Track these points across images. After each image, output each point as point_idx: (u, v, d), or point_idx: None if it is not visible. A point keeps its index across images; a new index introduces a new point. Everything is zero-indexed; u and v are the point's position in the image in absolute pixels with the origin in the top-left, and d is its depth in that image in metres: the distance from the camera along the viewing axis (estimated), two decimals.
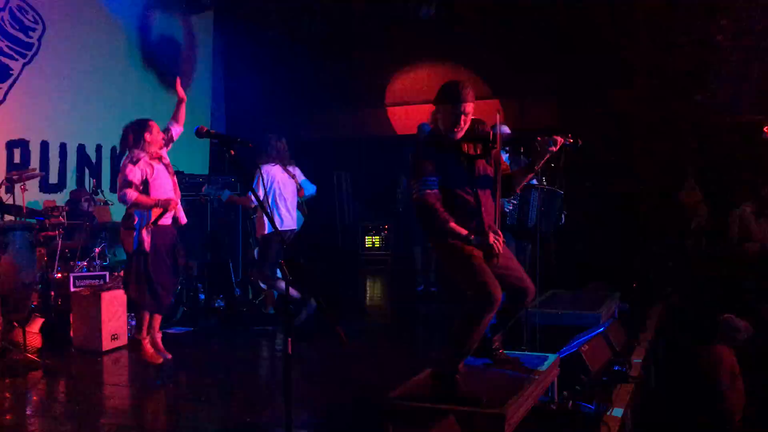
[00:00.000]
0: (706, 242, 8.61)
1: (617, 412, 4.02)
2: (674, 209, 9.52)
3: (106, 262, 6.82)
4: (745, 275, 7.70)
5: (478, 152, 3.62)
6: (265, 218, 6.45)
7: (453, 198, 3.55)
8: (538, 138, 3.62)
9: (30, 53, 7.65)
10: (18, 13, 7.53)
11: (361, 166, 11.49)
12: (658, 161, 9.57)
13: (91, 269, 6.51)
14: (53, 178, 7.95)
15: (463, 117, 3.53)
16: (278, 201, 6.56)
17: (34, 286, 6.04)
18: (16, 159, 7.48)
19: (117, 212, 7.33)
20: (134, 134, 5.23)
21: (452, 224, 3.46)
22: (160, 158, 5.34)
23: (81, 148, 8.28)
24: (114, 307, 5.95)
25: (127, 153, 5.27)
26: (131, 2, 9.14)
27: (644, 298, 7.18)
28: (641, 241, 9.09)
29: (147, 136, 5.21)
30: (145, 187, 5.14)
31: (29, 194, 6.21)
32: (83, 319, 5.95)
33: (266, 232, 6.54)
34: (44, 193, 7.74)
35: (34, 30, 7.71)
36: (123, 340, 6.08)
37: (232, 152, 3.01)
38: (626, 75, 9.56)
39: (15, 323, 5.70)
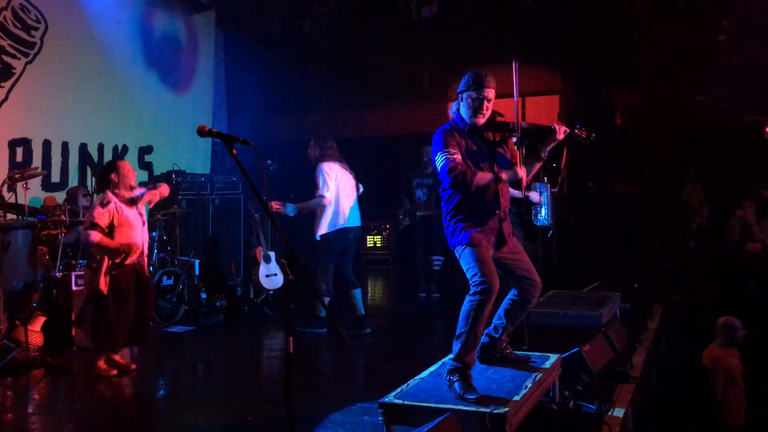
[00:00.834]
0: (707, 242, 8.60)
1: (618, 412, 4.03)
2: (676, 209, 9.52)
3: None
4: (747, 275, 7.70)
5: (497, 139, 3.84)
6: (326, 217, 6.34)
7: None
8: (552, 126, 3.83)
9: (32, 52, 7.66)
10: (20, 12, 7.54)
11: (363, 165, 11.47)
12: (660, 161, 9.57)
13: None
14: (55, 177, 7.96)
15: (486, 103, 3.73)
16: (342, 198, 6.41)
17: (35, 285, 6.04)
18: (19, 158, 7.49)
19: None
20: (104, 175, 5.36)
21: (479, 174, 3.65)
22: (133, 201, 5.34)
23: (83, 147, 8.29)
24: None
25: (100, 195, 5.35)
26: (133, 1, 9.15)
27: (646, 298, 7.17)
28: (643, 241, 9.09)
29: (113, 176, 5.28)
30: (110, 230, 5.18)
31: (31, 193, 6.22)
32: (85, 318, 5.95)
33: (326, 231, 6.37)
34: (46, 191, 7.75)
35: (36, 29, 7.72)
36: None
37: (234, 151, 3.01)
38: (628, 75, 9.56)
39: (17, 321, 5.71)
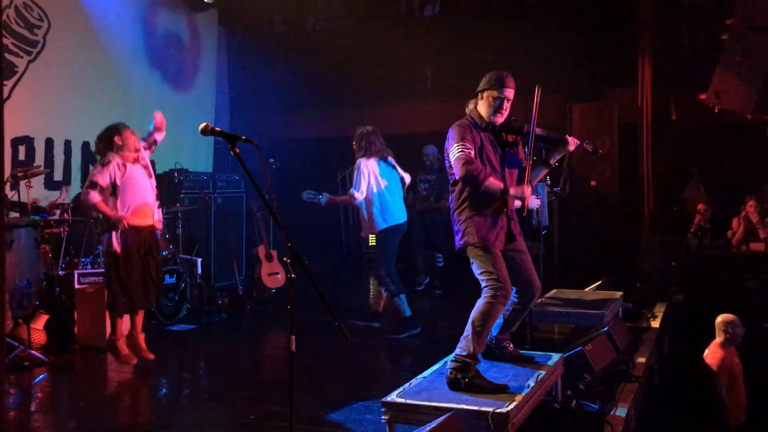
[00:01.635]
0: (710, 241, 8.59)
1: (621, 411, 4.02)
2: (678, 208, 9.51)
3: None
4: (749, 275, 7.68)
5: (510, 140, 3.94)
6: (371, 215, 6.27)
7: None
8: (565, 137, 3.92)
9: (35, 50, 7.67)
10: (23, 11, 7.55)
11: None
12: (662, 160, 9.55)
13: (96, 266, 6.53)
14: (58, 175, 7.97)
15: (506, 103, 3.85)
16: (386, 196, 6.27)
17: (38, 283, 6.05)
18: (21, 156, 7.50)
19: None
20: (106, 139, 5.38)
21: (492, 178, 3.72)
22: (136, 159, 5.38)
23: (86, 146, 8.29)
24: None
25: (101, 157, 5.38)
26: (136, 0, 9.15)
27: (648, 297, 7.16)
28: (645, 240, 9.07)
29: (117, 139, 5.31)
30: (114, 189, 5.22)
31: (34, 191, 6.22)
32: (87, 316, 5.97)
33: (379, 228, 6.29)
34: (49, 190, 7.76)
35: (39, 27, 7.73)
36: None
37: (237, 150, 3.01)
38: (631, 73, 9.54)
39: (20, 320, 5.72)
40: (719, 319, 5.24)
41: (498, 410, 3.19)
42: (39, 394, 4.89)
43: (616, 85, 9.73)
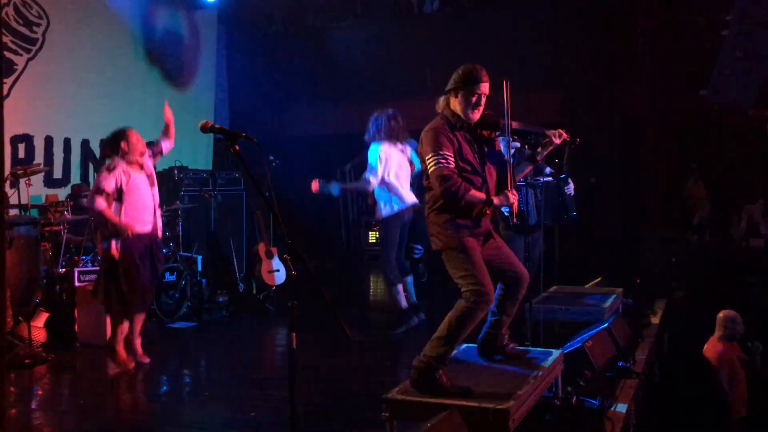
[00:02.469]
0: (709, 237, 8.59)
1: (621, 407, 4.02)
2: (678, 204, 9.51)
3: None
4: (749, 271, 7.68)
5: (486, 136, 3.77)
6: (384, 201, 6.21)
7: (466, 180, 3.62)
8: (546, 132, 3.82)
9: (34, 48, 7.66)
10: (22, 8, 7.54)
11: (366, 160, 11.46)
12: (662, 156, 9.55)
13: (96, 264, 6.52)
14: (57, 173, 7.97)
15: (482, 98, 3.67)
16: (397, 180, 6.20)
17: (38, 281, 6.05)
18: (21, 154, 7.49)
19: None
20: (112, 143, 5.36)
21: (473, 191, 3.58)
22: (141, 167, 5.38)
23: (85, 143, 8.30)
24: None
25: (107, 161, 5.37)
26: None
27: (648, 293, 7.16)
28: (645, 236, 9.07)
29: (123, 144, 5.29)
30: (119, 194, 5.21)
31: (33, 189, 6.22)
32: (88, 314, 5.97)
33: (384, 215, 6.24)
34: (48, 188, 7.76)
35: (38, 25, 7.72)
36: None
37: (237, 147, 3.01)
38: (631, 69, 9.53)
39: (20, 318, 5.72)
40: (721, 314, 5.25)
41: (499, 406, 3.19)
42: (39, 392, 4.90)
43: (616, 82, 9.72)
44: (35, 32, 7.68)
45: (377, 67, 10.60)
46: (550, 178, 5.93)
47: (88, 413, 4.39)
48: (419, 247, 8.56)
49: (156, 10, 9.47)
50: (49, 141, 7.85)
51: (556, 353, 4.07)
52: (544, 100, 9.60)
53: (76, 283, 6.12)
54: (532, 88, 9.57)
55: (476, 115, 3.70)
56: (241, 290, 7.69)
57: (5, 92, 7.32)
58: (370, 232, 11.63)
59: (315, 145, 11.04)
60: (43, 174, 7.48)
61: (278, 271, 7.72)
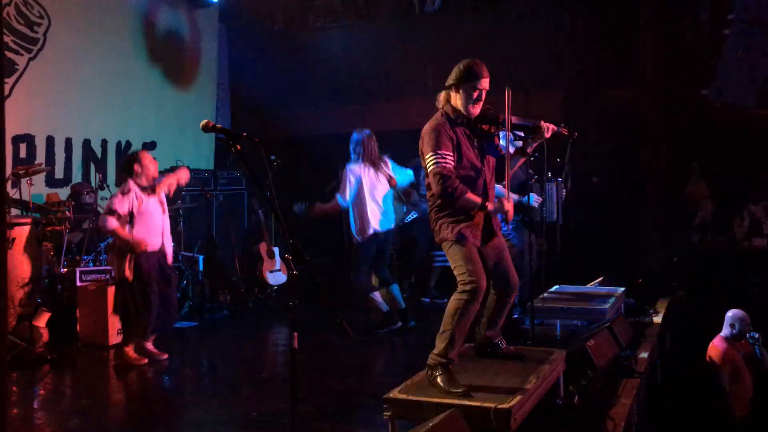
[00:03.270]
0: (711, 237, 8.58)
1: (623, 407, 4.02)
2: (680, 204, 9.49)
3: None
4: (751, 270, 7.68)
5: (485, 130, 3.81)
6: (354, 223, 6.28)
7: (464, 175, 3.68)
8: (540, 123, 3.86)
9: (35, 48, 7.66)
10: (23, 8, 7.54)
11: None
12: (664, 155, 9.53)
13: (97, 264, 6.53)
14: (59, 173, 7.97)
15: (483, 93, 3.71)
16: (370, 204, 6.23)
17: (40, 281, 6.05)
18: (22, 154, 7.49)
19: None
20: (126, 166, 5.47)
21: (469, 194, 3.62)
22: (153, 190, 5.45)
23: (86, 143, 8.29)
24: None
25: (123, 184, 5.45)
26: None
27: (650, 293, 7.15)
28: (647, 235, 9.07)
29: (136, 166, 5.38)
30: (130, 218, 5.29)
31: (35, 189, 6.23)
32: (89, 314, 5.97)
33: (357, 239, 6.29)
34: (50, 187, 7.75)
35: (39, 25, 7.72)
36: None
37: (238, 147, 3.01)
38: (633, 68, 9.52)
39: (23, 318, 5.72)
40: (729, 313, 5.24)
41: (500, 406, 3.18)
42: (41, 392, 4.90)
43: (617, 81, 9.71)
44: (36, 32, 7.68)
45: (379, 66, 10.60)
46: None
47: (89, 413, 4.39)
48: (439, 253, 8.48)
49: (157, 10, 9.47)
50: (50, 141, 7.85)
51: (558, 352, 4.06)
52: (545, 99, 9.59)
53: (78, 283, 6.12)
54: (533, 87, 9.56)
55: (477, 110, 3.75)
56: (242, 290, 7.70)
57: (6, 92, 7.32)
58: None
59: (316, 145, 11.03)
60: (44, 174, 7.48)
61: (279, 270, 7.72)
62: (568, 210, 8.93)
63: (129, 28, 8.97)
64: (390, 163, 6.46)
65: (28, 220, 5.80)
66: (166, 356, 5.53)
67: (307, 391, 4.42)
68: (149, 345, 5.52)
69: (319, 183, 7.75)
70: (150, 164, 5.43)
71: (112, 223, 5.21)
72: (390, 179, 6.38)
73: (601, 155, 9.18)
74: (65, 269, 6.27)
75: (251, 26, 11.09)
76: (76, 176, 8.11)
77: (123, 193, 5.31)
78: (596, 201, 9.10)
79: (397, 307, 6.41)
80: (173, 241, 7.21)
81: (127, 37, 8.94)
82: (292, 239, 2.85)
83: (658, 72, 9.42)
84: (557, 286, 6.36)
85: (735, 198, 8.63)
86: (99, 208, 7.24)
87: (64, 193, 7.65)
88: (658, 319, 6.18)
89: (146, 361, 5.41)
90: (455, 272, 3.67)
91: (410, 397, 3.40)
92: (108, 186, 7.64)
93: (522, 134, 3.98)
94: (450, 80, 3.77)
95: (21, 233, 5.57)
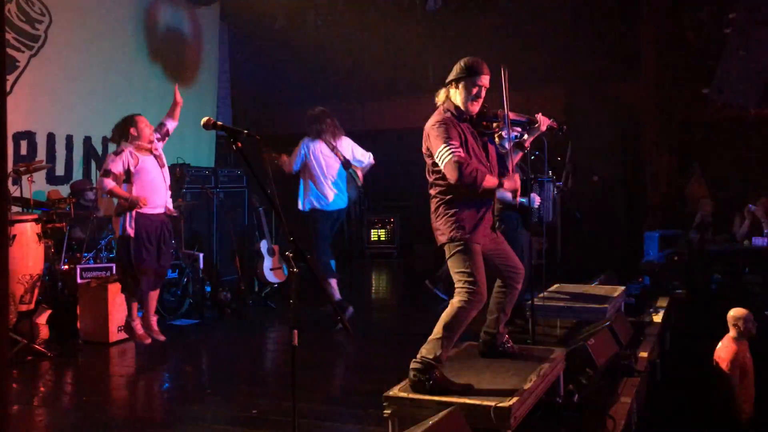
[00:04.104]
0: (712, 236, 8.59)
1: (623, 406, 4.02)
2: (680, 203, 9.50)
3: (112, 253, 6.83)
4: (751, 269, 7.68)
5: (485, 127, 3.81)
6: (303, 194, 6.41)
7: None
8: (536, 117, 3.93)
9: (36, 45, 7.66)
10: (25, 5, 7.54)
11: None
12: (665, 155, 9.54)
13: (98, 261, 6.53)
14: (60, 170, 7.97)
15: (483, 90, 3.71)
16: (321, 179, 6.35)
17: (41, 278, 6.05)
18: (23, 151, 7.50)
19: None
20: (121, 129, 5.66)
21: (488, 177, 3.60)
22: (151, 150, 5.68)
23: (87, 140, 8.30)
24: (121, 298, 5.97)
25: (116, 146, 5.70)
26: None
27: (650, 292, 7.16)
28: (647, 234, 9.07)
29: (132, 130, 5.59)
30: (127, 176, 5.52)
31: (35, 186, 6.23)
32: (90, 311, 5.97)
33: (302, 209, 6.40)
34: (51, 185, 7.76)
35: (40, 22, 7.72)
36: None
37: (239, 144, 3.01)
38: (634, 67, 9.52)
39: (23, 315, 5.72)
40: (731, 313, 5.21)
41: (500, 404, 3.19)
42: (42, 389, 4.90)
43: (619, 80, 9.71)
44: (37, 29, 7.68)
45: (380, 64, 10.60)
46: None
47: (90, 410, 4.39)
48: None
49: (158, 7, 9.47)
50: (51, 138, 7.85)
51: (558, 351, 4.07)
52: (546, 97, 9.60)
53: (79, 280, 6.12)
54: (534, 85, 9.56)
55: (476, 108, 3.75)
56: (242, 287, 7.69)
57: (7, 89, 7.31)
58: (372, 230, 11.65)
59: None
60: (45, 171, 7.48)
61: (280, 268, 7.72)
62: (569, 209, 8.96)
63: (130, 25, 8.98)
64: (347, 145, 6.58)
65: (29, 217, 5.79)
66: (164, 338, 5.88)
67: (307, 389, 4.42)
68: (154, 323, 5.82)
69: None
70: (146, 128, 5.60)
71: (109, 183, 5.41)
72: (346, 161, 6.49)
73: (602, 154, 9.18)
74: (66, 266, 6.27)
75: (252, 24, 11.09)
76: (77, 173, 8.12)
77: (116, 154, 5.49)
78: (596, 199, 9.11)
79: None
80: (174, 238, 7.23)
81: (129, 35, 8.94)
82: (292, 237, 2.85)
83: (659, 71, 9.43)
84: (558, 285, 6.37)
85: (735, 197, 8.63)
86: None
87: (64, 190, 7.65)
88: (658, 318, 6.18)
89: (150, 341, 5.71)
90: (457, 277, 3.61)
91: (410, 395, 3.40)
92: None
93: (519, 129, 4.00)
94: (451, 76, 3.78)
95: (22, 230, 5.56)
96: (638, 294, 6.99)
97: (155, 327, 5.86)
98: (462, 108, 3.74)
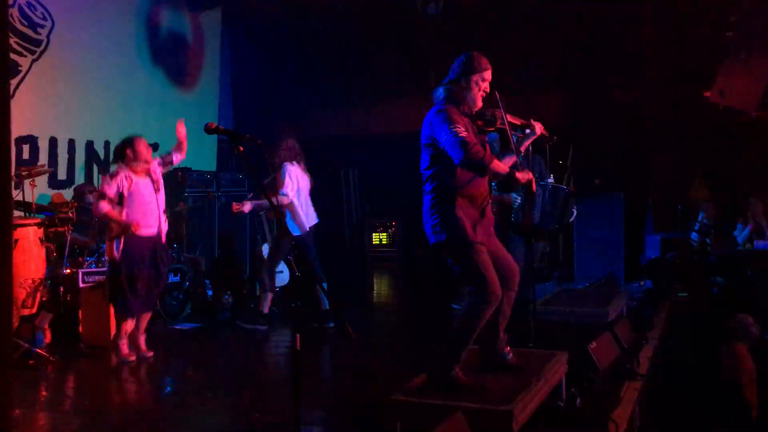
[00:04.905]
0: (713, 240, 8.58)
1: (625, 409, 4.01)
2: (682, 205, 9.50)
3: None
4: (754, 273, 7.66)
5: (480, 126, 3.78)
6: (297, 218, 6.60)
7: None
8: (530, 121, 3.89)
9: (39, 50, 7.67)
10: (27, 10, 7.55)
11: (369, 162, 11.49)
12: (666, 158, 9.53)
13: (100, 265, 6.53)
14: (62, 174, 7.98)
15: (486, 84, 3.71)
16: (303, 200, 6.67)
17: (43, 282, 6.05)
18: (25, 155, 7.51)
19: None
20: (119, 150, 5.57)
21: (496, 161, 3.55)
22: (147, 173, 5.55)
23: (89, 144, 8.31)
24: None
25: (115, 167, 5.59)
26: None
27: (652, 295, 7.15)
28: (649, 237, 9.06)
29: (129, 151, 5.49)
30: (120, 199, 5.40)
31: (37, 190, 6.24)
32: (92, 315, 5.98)
33: (298, 233, 6.54)
34: (53, 189, 7.77)
35: (42, 26, 7.73)
36: None
37: (241, 148, 3.02)
38: (634, 71, 9.52)
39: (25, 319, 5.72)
40: (737, 317, 5.21)
41: (502, 408, 3.19)
42: (44, 393, 4.90)
43: (619, 83, 9.71)
44: (40, 33, 7.70)
45: (381, 68, 10.61)
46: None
47: (92, 414, 4.39)
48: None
49: (160, 12, 9.49)
50: (53, 142, 7.86)
51: (560, 355, 4.06)
52: (547, 101, 9.60)
53: (81, 285, 6.13)
54: (535, 89, 9.57)
55: (479, 103, 3.74)
56: (244, 291, 7.69)
57: (10, 93, 7.32)
58: (374, 234, 11.66)
59: (319, 147, 11.05)
60: (47, 175, 7.49)
61: (281, 272, 7.72)
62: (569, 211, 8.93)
63: (132, 29, 8.99)
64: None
65: (31, 221, 5.79)
66: (151, 354, 5.59)
67: (309, 393, 4.42)
68: (142, 342, 5.58)
69: (323, 184, 7.74)
70: (143, 150, 5.53)
71: (104, 206, 5.34)
72: (310, 180, 6.83)
73: (604, 157, 9.18)
74: (68, 270, 6.28)
75: (254, 28, 11.12)
76: (79, 178, 8.13)
77: (111, 177, 5.44)
78: (598, 202, 9.10)
79: (321, 307, 6.52)
80: (176, 241, 7.24)
81: (130, 39, 8.96)
82: (294, 241, 2.85)
83: (661, 74, 9.43)
84: (560, 289, 6.36)
85: (737, 200, 8.62)
86: None
87: (66, 194, 7.66)
88: (660, 321, 6.17)
89: (134, 358, 5.46)
90: (472, 278, 3.54)
91: (413, 400, 3.40)
92: None
93: (515, 133, 3.98)
94: (454, 72, 3.76)
95: (24, 234, 5.56)
96: (640, 297, 6.98)
97: (143, 346, 5.59)
98: (468, 102, 3.70)
